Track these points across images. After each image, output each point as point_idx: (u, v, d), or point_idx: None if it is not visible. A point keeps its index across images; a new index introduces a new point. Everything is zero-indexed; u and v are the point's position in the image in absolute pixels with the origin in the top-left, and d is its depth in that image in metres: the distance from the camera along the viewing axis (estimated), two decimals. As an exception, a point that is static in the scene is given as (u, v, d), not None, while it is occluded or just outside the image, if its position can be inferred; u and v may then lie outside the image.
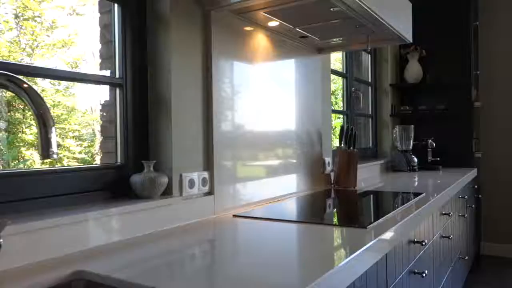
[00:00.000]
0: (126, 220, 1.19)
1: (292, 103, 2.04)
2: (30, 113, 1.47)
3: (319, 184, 2.27)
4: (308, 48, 2.19)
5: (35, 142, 1.44)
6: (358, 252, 1.02)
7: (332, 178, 2.40)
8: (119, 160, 1.34)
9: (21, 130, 1.48)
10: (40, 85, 1.45)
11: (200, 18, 1.48)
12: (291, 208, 1.66)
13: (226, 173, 1.56)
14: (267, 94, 1.83)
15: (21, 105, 1.44)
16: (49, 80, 1.39)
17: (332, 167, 2.43)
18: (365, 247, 1.06)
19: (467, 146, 3.55)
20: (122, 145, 1.34)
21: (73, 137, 1.62)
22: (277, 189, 1.88)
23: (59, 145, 1.53)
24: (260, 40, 1.80)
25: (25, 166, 1.42)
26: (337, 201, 1.88)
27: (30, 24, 1.41)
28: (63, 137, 1.59)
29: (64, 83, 1.48)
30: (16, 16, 1.38)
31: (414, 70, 3.64)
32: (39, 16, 1.46)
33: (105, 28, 1.47)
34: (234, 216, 1.50)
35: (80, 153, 1.63)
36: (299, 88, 2.11)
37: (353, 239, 1.15)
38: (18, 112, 1.47)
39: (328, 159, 2.38)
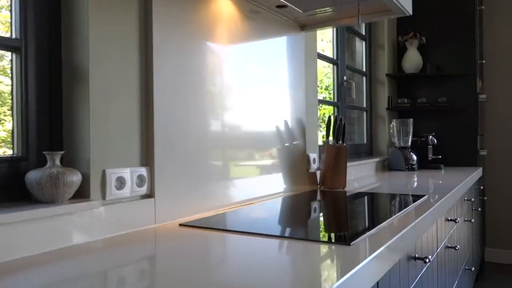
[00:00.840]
0: (12, 233, 0.83)
1: (268, 89, 1.69)
2: (3, 109, 1.16)
3: (303, 184, 1.93)
4: (289, 23, 1.85)
5: (9, 139, 1.16)
6: (336, 285, 0.68)
7: (318, 177, 2.05)
8: (15, 151, 0.99)
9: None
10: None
11: (136, -35, 1.13)
12: (259, 215, 1.31)
13: (173, 169, 1.21)
14: (234, 75, 1.48)
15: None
16: None
17: (318, 165, 2.09)
18: (345, 278, 0.72)
19: (471, 143, 3.21)
20: (20, 131, 0.98)
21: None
22: (246, 191, 1.53)
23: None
24: (224, 7, 1.45)
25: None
26: (320, 206, 1.53)
27: None
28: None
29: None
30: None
31: (413, 59, 3.29)
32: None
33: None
34: (181, 225, 1.15)
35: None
36: (278, 72, 1.76)
37: (331, 262, 0.80)
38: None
39: (313, 156, 2.04)
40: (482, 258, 3.47)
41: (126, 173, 1.08)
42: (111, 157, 1.05)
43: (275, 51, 1.75)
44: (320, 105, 2.92)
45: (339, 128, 1.96)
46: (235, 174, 1.47)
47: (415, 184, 2.15)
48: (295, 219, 1.25)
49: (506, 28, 3.63)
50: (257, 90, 1.61)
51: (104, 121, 1.04)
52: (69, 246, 0.93)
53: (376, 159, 2.93)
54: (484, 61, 3.60)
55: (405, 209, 1.33)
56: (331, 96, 2.90)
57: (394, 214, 1.24)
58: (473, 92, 3.21)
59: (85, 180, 1.00)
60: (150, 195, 1.15)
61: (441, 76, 3.29)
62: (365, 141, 3.20)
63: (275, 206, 1.46)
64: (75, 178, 0.95)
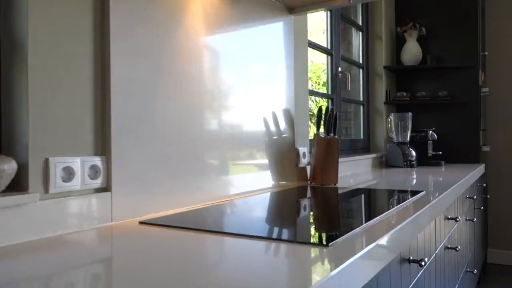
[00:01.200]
0: None
1: (254, 78, 1.54)
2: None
3: (291, 180, 1.79)
4: (275, 5, 1.70)
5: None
6: (299, 297, 0.54)
7: (309, 172, 1.91)
8: None
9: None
10: None
11: None
12: (236, 212, 1.17)
13: (136, 160, 1.07)
14: (212, 62, 1.34)
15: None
16: None
17: (308, 159, 1.95)
18: (318, 284, 0.57)
19: (473, 139, 3.06)
20: None
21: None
22: (226, 187, 1.39)
23: None
24: (200, -20, 1.31)
25: None
26: (306, 203, 1.39)
27: None
28: None
29: None
30: None
31: (412, 51, 3.15)
32: None
33: None
34: (142, 223, 1.01)
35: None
36: (264, 59, 1.62)
37: (303, 267, 0.66)
38: None
39: (303, 149, 1.90)
40: (484, 260, 3.33)
41: (75, 162, 0.94)
42: (56, 144, 0.91)
43: (259, 37, 1.60)
44: (318, 100, 2.79)
45: (330, 119, 1.82)
46: (214, 169, 1.33)
47: (414, 181, 2.00)
48: (275, 217, 1.11)
49: (510, 19, 3.48)
50: (241, 79, 1.47)
51: (47, 102, 0.90)
52: (0, 246, 0.79)
53: (373, 155, 2.79)
54: (486, 53, 3.45)
55: (399, 206, 1.19)
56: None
57: (387, 211, 1.10)
58: (475, 85, 3.06)
59: (23, 169, 0.87)
60: (106, 188, 1.01)
61: (441, 69, 3.15)
62: (361, 137, 3.06)
63: (258, 204, 1.31)
64: (7, 166, 0.81)
